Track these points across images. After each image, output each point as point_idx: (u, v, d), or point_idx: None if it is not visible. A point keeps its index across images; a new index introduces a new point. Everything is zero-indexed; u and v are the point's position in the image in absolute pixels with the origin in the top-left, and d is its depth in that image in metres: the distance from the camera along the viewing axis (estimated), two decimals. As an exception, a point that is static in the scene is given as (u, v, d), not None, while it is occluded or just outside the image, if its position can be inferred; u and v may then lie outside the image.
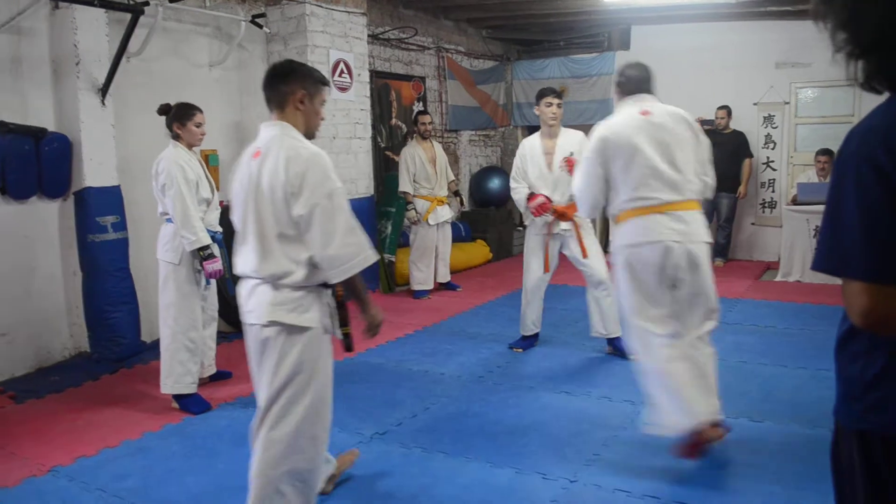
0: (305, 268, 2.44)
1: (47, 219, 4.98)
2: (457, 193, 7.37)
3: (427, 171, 6.98)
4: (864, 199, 1.25)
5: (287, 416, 2.50)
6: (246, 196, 2.51)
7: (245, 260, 2.54)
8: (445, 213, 7.14)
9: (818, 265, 1.36)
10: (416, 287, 7.06)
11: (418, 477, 3.25)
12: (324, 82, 2.66)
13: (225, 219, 4.68)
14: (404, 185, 6.95)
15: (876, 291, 1.25)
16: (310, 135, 2.60)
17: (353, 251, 2.42)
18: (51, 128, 4.86)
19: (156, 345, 5.22)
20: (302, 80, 2.58)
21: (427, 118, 7.11)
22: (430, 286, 7.14)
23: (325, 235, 2.38)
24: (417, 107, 8.54)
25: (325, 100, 2.68)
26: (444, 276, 7.35)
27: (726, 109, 8.10)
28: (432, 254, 7.10)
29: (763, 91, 8.42)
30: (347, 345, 2.63)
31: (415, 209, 6.95)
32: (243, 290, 2.57)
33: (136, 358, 5.07)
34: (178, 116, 4.14)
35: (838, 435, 1.47)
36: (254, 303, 2.51)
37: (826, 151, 7.40)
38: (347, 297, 2.60)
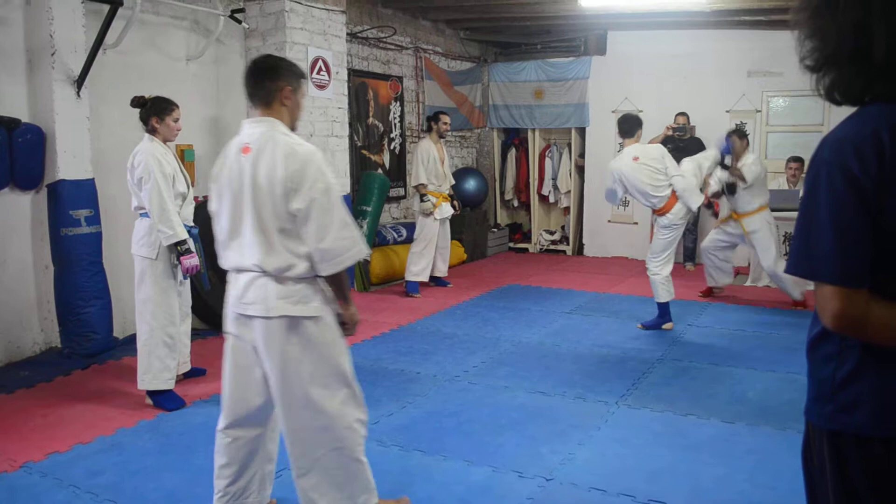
0: (307, 261, 2.48)
1: (19, 211, 4.90)
2: (452, 197, 7.51)
3: (438, 168, 7.21)
4: (837, 205, 1.30)
5: (333, 394, 2.54)
6: (239, 191, 2.52)
7: (242, 254, 2.54)
8: (448, 210, 7.38)
9: (791, 269, 1.40)
10: (410, 278, 7.14)
11: (395, 475, 3.26)
12: (304, 76, 2.71)
13: (200, 214, 4.66)
14: (420, 178, 7.12)
15: (847, 295, 1.30)
16: (293, 127, 2.64)
17: (347, 245, 2.47)
18: (24, 119, 4.77)
19: (128, 341, 5.18)
20: (287, 75, 2.60)
21: (447, 118, 7.37)
22: (425, 279, 7.27)
23: (320, 229, 2.42)
24: (394, 106, 8.54)
25: (305, 93, 2.70)
26: (443, 272, 7.57)
27: (686, 116, 8.26)
28: (434, 247, 7.26)
29: (735, 99, 8.56)
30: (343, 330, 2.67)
31: (430, 201, 7.12)
32: (239, 283, 2.56)
33: (108, 354, 5.00)
34: (157, 111, 4.10)
35: (810, 435, 1.51)
36: (255, 296, 2.51)
37: (797, 159, 7.53)
38: (333, 290, 2.62)
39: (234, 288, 2.59)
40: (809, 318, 1.48)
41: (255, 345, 2.56)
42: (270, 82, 2.57)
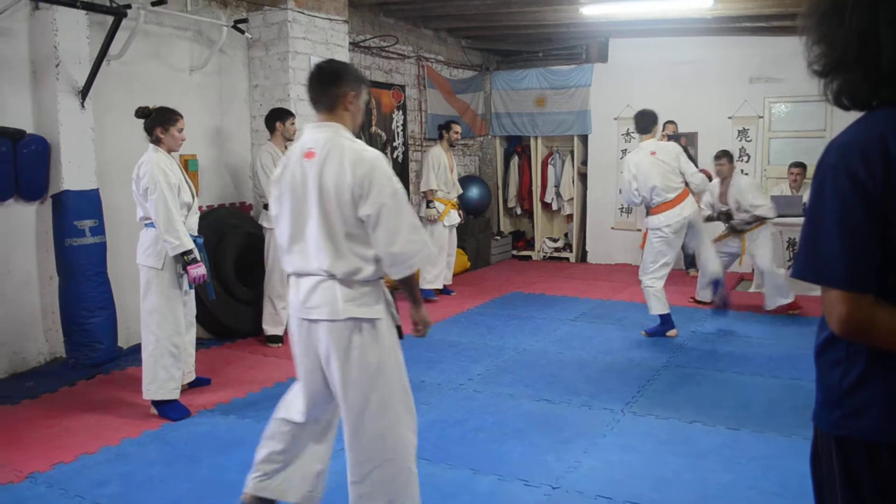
0: (374, 264, 2.54)
1: (24, 222, 4.91)
2: (457, 206, 7.60)
3: (447, 176, 7.36)
4: (843, 210, 1.30)
5: (391, 402, 2.59)
6: (302, 196, 2.55)
7: (307, 258, 2.57)
8: (455, 218, 7.49)
9: (798, 273, 1.40)
10: (425, 285, 7.23)
11: (401, 483, 3.26)
12: (366, 81, 2.75)
13: (204, 224, 4.67)
14: (430, 184, 7.22)
15: (854, 300, 1.30)
16: (355, 132, 2.68)
17: (417, 248, 2.53)
18: (29, 130, 4.79)
19: (133, 350, 5.19)
20: (351, 81, 2.63)
21: (458, 127, 7.54)
22: (440, 286, 7.37)
23: (390, 234, 2.47)
24: (397, 115, 8.56)
25: (367, 98, 2.76)
26: (447, 279, 7.64)
27: (674, 123, 8.27)
28: (445, 253, 7.38)
29: (737, 105, 8.57)
30: (400, 332, 2.72)
31: (436, 208, 7.22)
32: (303, 287, 2.59)
33: (113, 364, 5.01)
34: (161, 121, 4.12)
35: (818, 441, 1.51)
36: (320, 299, 2.54)
37: (799, 164, 7.53)
38: (404, 293, 2.70)
39: (296, 292, 2.62)
40: (814, 324, 1.48)
41: (318, 348, 2.61)
42: (335, 88, 2.60)
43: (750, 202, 6.33)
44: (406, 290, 2.65)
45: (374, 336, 2.55)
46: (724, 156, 6.61)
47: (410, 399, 2.69)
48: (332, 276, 2.53)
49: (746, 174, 8.48)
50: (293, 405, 2.76)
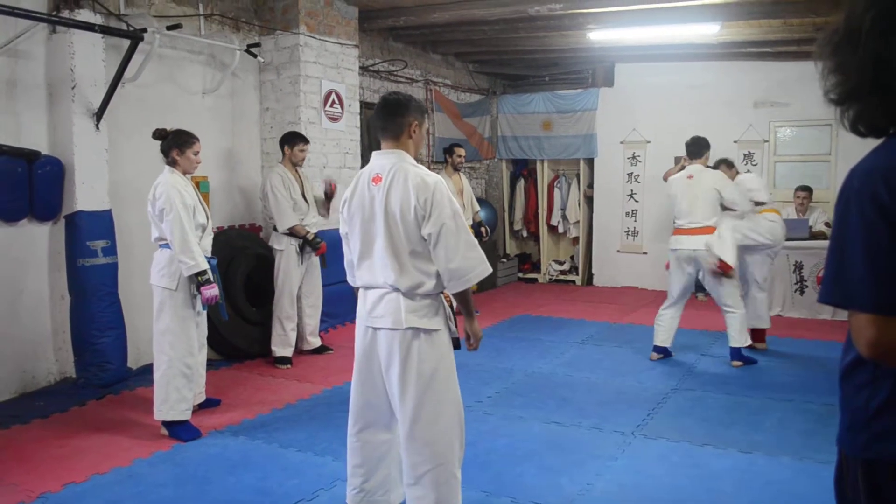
0: (435, 279, 2.75)
1: (37, 242, 4.94)
2: (480, 224, 7.47)
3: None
4: (868, 234, 1.31)
5: (442, 410, 2.78)
6: (370, 217, 2.80)
7: (374, 273, 2.82)
8: None
9: (825, 298, 1.40)
10: None
11: (414, 506, 3.25)
12: (426, 112, 3.03)
13: (214, 245, 4.69)
14: None
15: (882, 323, 1.31)
16: (416, 157, 2.91)
17: (473, 264, 2.73)
18: (44, 151, 4.84)
19: (142, 371, 5.19)
20: (414, 111, 2.87)
21: (462, 150, 7.33)
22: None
23: (449, 250, 2.68)
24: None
25: (427, 127, 2.97)
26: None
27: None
28: None
29: (743, 129, 8.62)
30: (457, 343, 2.88)
31: None
32: (369, 298, 2.84)
33: (123, 384, 5.00)
34: (178, 143, 4.16)
35: (843, 465, 1.50)
36: (384, 310, 2.78)
37: (805, 188, 7.57)
38: (459, 307, 2.89)
39: (364, 303, 2.88)
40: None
41: (380, 354, 2.83)
42: (401, 117, 2.84)
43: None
44: (461, 303, 2.84)
45: (431, 345, 2.75)
46: (722, 162, 6.15)
47: (461, 409, 2.86)
48: (396, 290, 2.75)
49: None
50: (353, 418, 3.00)
